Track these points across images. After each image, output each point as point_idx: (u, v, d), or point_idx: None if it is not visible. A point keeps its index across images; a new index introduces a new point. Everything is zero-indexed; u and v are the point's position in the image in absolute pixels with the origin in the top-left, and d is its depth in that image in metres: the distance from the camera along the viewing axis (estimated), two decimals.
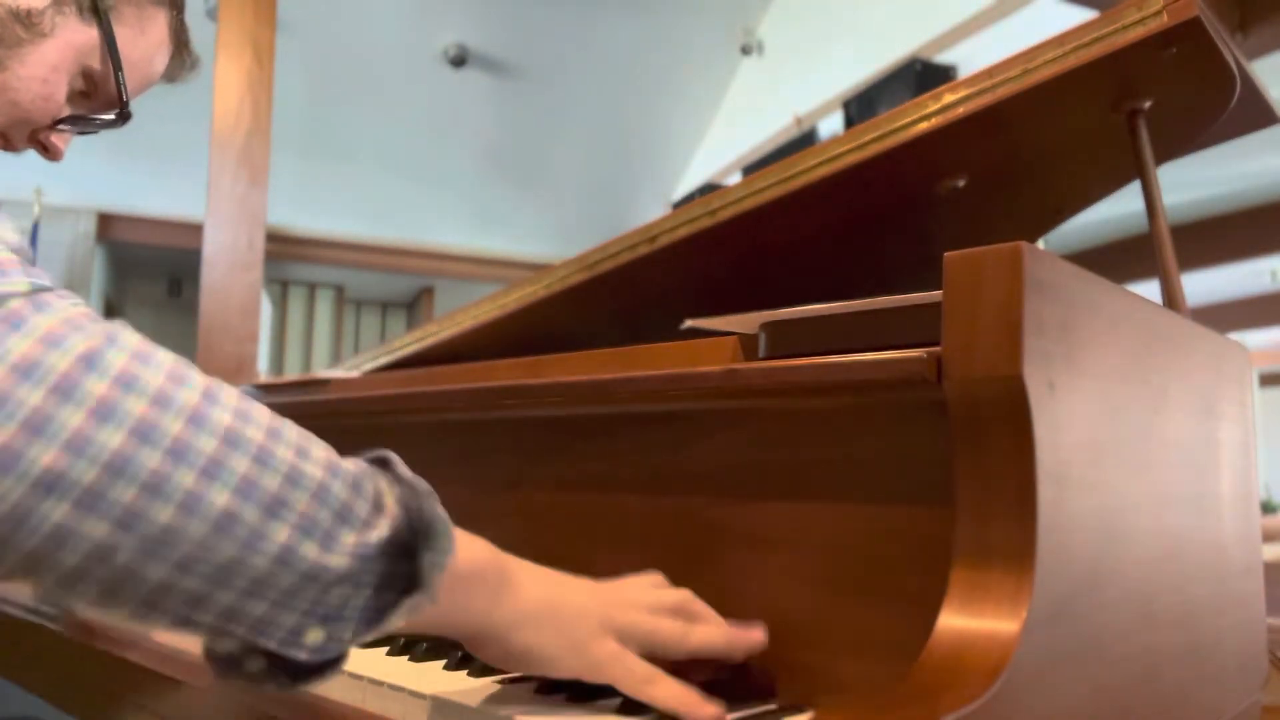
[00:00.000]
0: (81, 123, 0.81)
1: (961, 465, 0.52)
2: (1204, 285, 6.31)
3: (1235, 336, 0.83)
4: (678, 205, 5.00)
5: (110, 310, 6.28)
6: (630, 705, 0.55)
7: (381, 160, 5.73)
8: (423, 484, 0.52)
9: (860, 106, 4.28)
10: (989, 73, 0.85)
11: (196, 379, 0.47)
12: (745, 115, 5.75)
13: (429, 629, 0.53)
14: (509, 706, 0.55)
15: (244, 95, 3.20)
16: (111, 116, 0.82)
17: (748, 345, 0.73)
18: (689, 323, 0.77)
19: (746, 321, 0.71)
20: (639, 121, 5.98)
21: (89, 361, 0.43)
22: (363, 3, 4.94)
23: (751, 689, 0.60)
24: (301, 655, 0.48)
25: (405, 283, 6.98)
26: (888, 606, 0.56)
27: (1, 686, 0.97)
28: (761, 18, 5.58)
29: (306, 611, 0.47)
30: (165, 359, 0.47)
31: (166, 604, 0.45)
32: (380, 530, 0.49)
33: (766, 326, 0.70)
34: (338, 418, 0.99)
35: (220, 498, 0.44)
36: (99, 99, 0.81)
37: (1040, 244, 0.61)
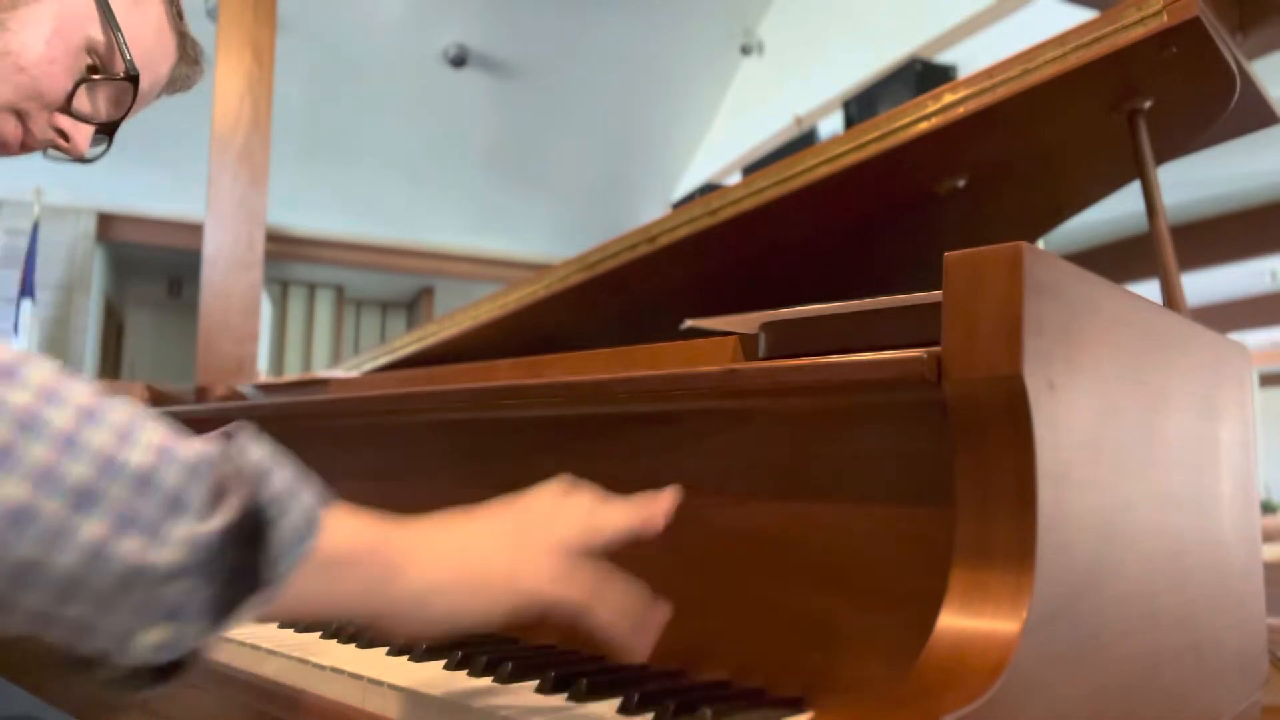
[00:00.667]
0: (94, 90, 0.79)
1: (961, 465, 0.52)
2: (1204, 285, 6.30)
3: (1235, 336, 0.83)
4: (678, 205, 5.00)
5: (110, 310, 6.28)
6: (630, 704, 0.55)
7: (381, 160, 5.74)
8: (270, 464, 0.46)
9: (860, 106, 4.28)
10: (989, 73, 0.85)
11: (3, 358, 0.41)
12: (745, 115, 5.75)
13: (315, 617, 0.50)
14: (509, 706, 0.55)
15: (244, 95, 3.20)
16: (121, 78, 0.79)
17: (748, 345, 0.73)
18: (689, 323, 0.77)
19: (746, 321, 0.71)
20: (639, 121, 5.98)
21: None
22: (363, 3, 4.95)
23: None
24: (140, 657, 0.43)
25: (405, 283, 6.98)
26: (888, 606, 0.56)
27: (1, 686, 0.97)
28: (761, 18, 5.58)
29: (137, 612, 0.42)
30: None
31: None
32: (220, 519, 0.43)
33: (766, 326, 0.70)
34: (338, 418, 0.99)
35: (11, 489, 0.38)
36: (107, 72, 0.79)
37: (1040, 244, 0.61)
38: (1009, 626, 0.47)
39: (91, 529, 0.40)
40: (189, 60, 0.89)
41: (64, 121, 0.78)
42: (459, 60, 5.26)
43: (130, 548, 0.41)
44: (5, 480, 0.39)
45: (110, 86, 0.80)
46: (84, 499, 0.40)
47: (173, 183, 5.24)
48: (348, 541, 0.50)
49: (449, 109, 5.57)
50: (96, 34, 0.78)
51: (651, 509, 0.58)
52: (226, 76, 3.20)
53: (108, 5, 0.78)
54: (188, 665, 0.46)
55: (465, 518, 0.56)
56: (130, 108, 0.82)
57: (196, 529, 0.42)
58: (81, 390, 0.43)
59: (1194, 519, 0.69)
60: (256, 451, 0.46)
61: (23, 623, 0.41)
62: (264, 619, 0.47)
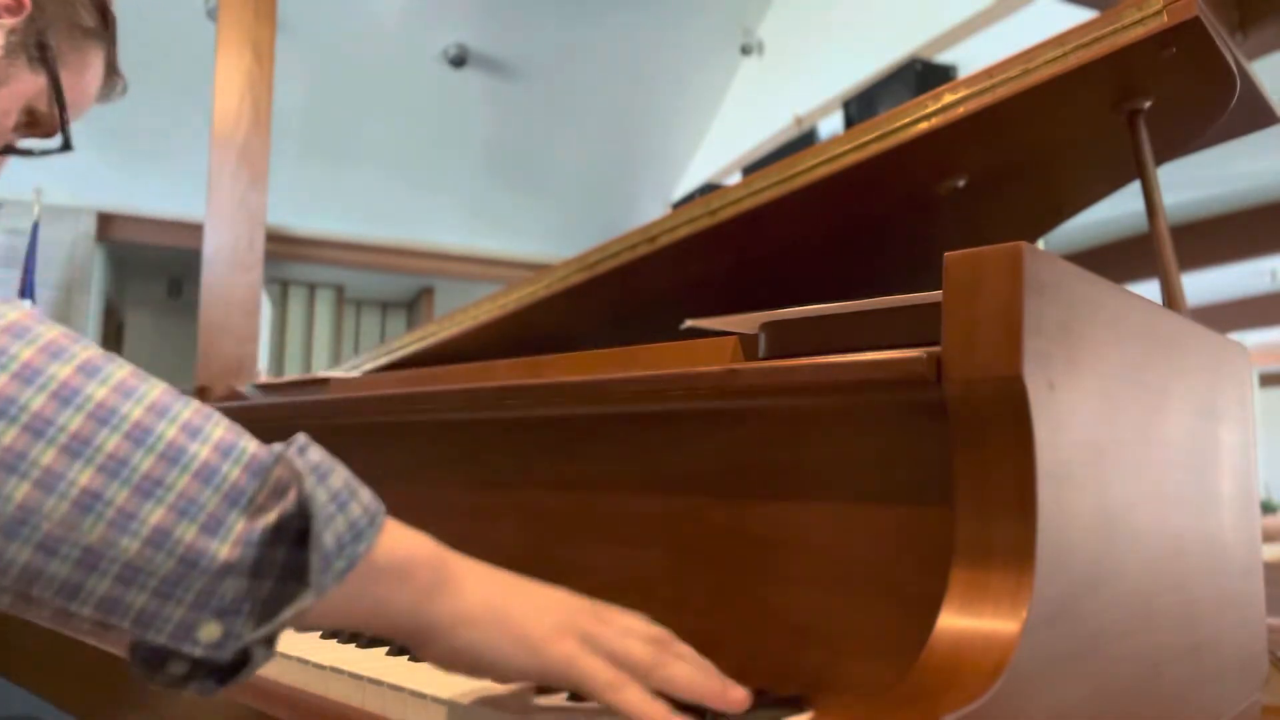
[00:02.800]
0: (25, 154, 0.89)
1: (961, 465, 0.52)
2: (1204, 285, 6.31)
3: (1235, 336, 0.83)
4: (678, 205, 5.00)
5: (110, 310, 6.28)
6: None
7: (381, 160, 5.74)
8: (331, 466, 0.47)
9: (860, 106, 4.28)
10: (989, 73, 0.85)
11: (79, 352, 0.45)
12: (745, 115, 5.75)
13: (360, 626, 0.50)
14: (509, 706, 0.55)
15: (244, 95, 3.20)
16: (55, 146, 0.88)
17: (748, 345, 0.73)
18: (689, 323, 0.78)
19: (746, 321, 0.72)
20: (639, 122, 5.98)
21: None
22: (363, 3, 4.95)
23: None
24: (196, 652, 0.44)
25: (405, 283, 6.98)
26: (888, 606, 0.56)
27: (1, 686, 0.97)
28: (761, 18, 5.58)
29: (195, 604, 0.44)
30: (47, 333, 0.44)
31: (39, 593, 0.42)
32: (276, 515, 0.45)
33: (766, 326, 0.70)
34: (338, 418, 0.99)
35: (83, 475, 0.42)
36: (42, 129, 0.88)
37: (1040, 244, 0.61)
38: (1009, 626, 0.47)
39: (156, 516, 0.43)
40: (112, 86, 0.97)
41: None
42: (459, 60, 5.26)
43: (190, 536, 0.43)
44: (78, 467, 0.42)
45: (40, 137, 0.89)
46: (151, 487, 0.43)
47: (173, 183, 5.24)
48: (406, 550, 0.50)
49: (449, 109, 5.57)
50: (40, 105, 0.86)
51: (721, 691, 0.52)
52: (226, 76, 3.20)
53: (59, 86, 0.86)
54: (247, 666, 0.47)
55: (531, 581, 0.55)
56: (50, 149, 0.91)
57: (254, 524, 0.44)
58: (155, 387, 0.46)
59: (1194, 519, 0.69)
60: (316, 453, 0.48)
61: (93, 611, 0.43)
62: (312, 624, 0.48)
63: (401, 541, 0.50)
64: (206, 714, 0.69)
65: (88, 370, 0.44)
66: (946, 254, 0.52)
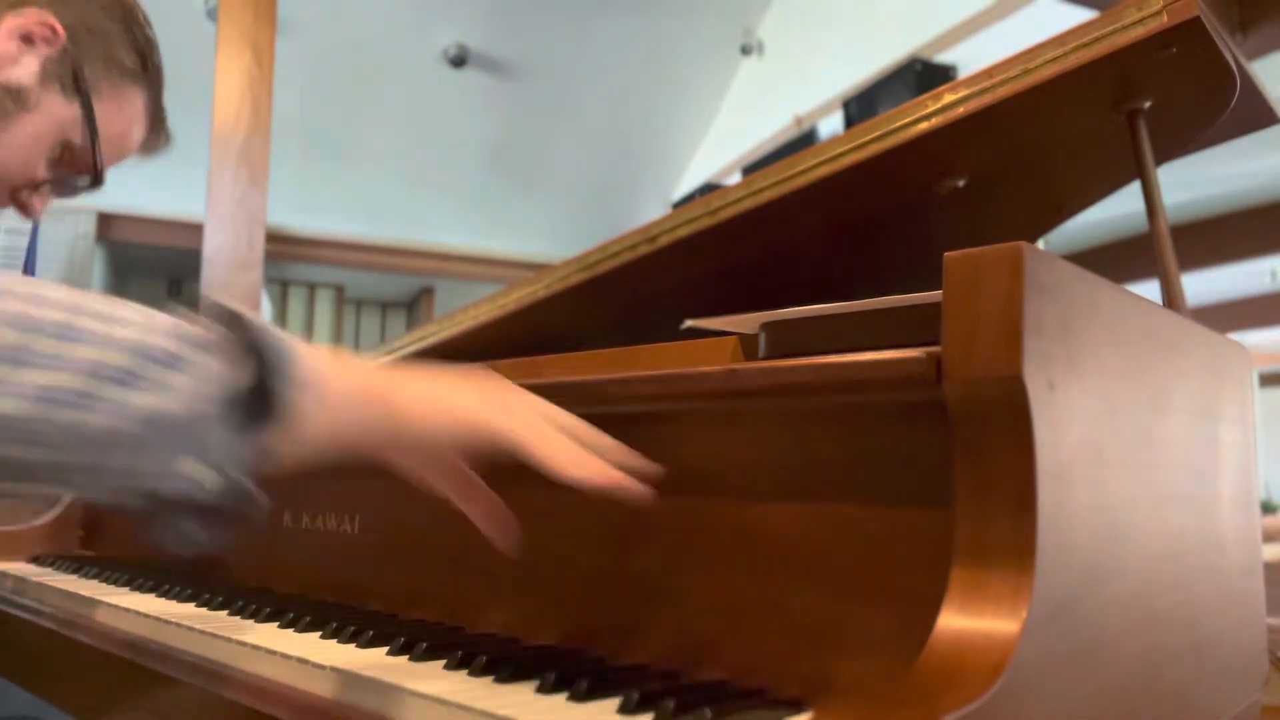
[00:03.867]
0: (60, 188, 0.90)
1: (961, 465, 0.52)
2: (1204, 285, 6.30)
3: (1235, 336, 0.83)
4: (678, 205, 5.00)
5: None
6: (630, 704, 0.55)
7: (381, 160, 5.74)
8: (254, 319, 0.55)
9: (860, 106, 4.28)
10: (989, 73, 0.85)
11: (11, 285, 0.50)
12: (745, 115, 5.75)
13: (342, 447, 0.58)
14: (508, 706, 0.55)
15: (244, 95, 3.20)
16: (87, 182, 0.90)
17: (748, 345, 0.73)
18: (689, 323, 0.78)
19: (746, 321, 0.72)
20: (639, 121, 5.98)
21: None
22: (363, 3, 4.95)
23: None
24: (189, 488, 0.52)
25: (405, 283, 6.98)
26: (888, 606, 0.56)
27: (1, 686, 0.97)
28: (761, 18, 5.58)
29: (167, 448, 0.51)
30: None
31: (36, 473, 0.49)
32: (216, 363, 0.52)
33: (766, 326, 0.70)
34: None
35: (42, 378, 0.48)
36: (76, 164, 0.90)
37: (1040, 244, 0.61)
38: (1009, 626, 0.47)
39: (111, 392, 0.49)
40: (158, 137, 1.00)
41: (24, 195, 0.87)
42: (459, 60, 5.26)
43: (145, 400, 0.50)
44: (39, 372, 0.48)
45: (77, 179, 0.91)
46: (97, 371, 0.49)
47: (173, 183, 5.23)
48: (347, 386, 0.59)
49: (449, 109, 5.57)
50: (75, 138, 0.88)
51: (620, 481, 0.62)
52: (226, 76, 3.20)
53: (93, 118, 0.87)
54: (240, 502, 0.54)
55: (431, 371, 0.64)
56: (87, 190, 0.93)
57: (198, 378, 0.51)
58: (62, 291, 0.52)
59: (1194, 519, 0.69)
60: (246, 315, 0.55)
61: (84, 478, 0.51)
62: (287, 456, 0.55)
63: (336, 368, 0.58)
64: (206, 714, 0.69)
65: (34, 300, 0.50)
66: (946, 254, 0.52)
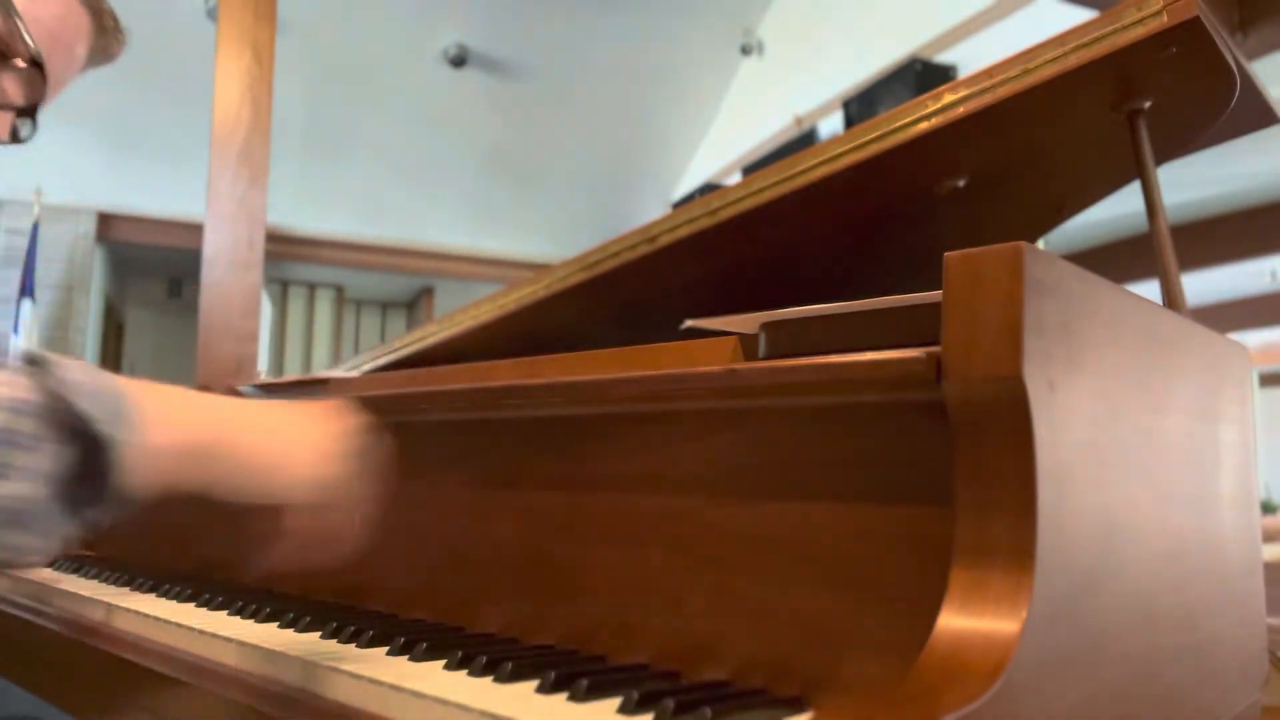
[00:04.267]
0: (2, 96, 0.81)
1: (961, 465, 0.52)
2: (1204, 285, 6.30)
3: (1235, 336, 0.83)
4: (678, 205, 5.00)
5: (110, 310, 6.28)
6: (630, 704, 0.55)
7: (381, 160, 5.73)
8: (78, 375, 0.52)
9: (860, 106, 4.28)
10: (989, 73, 0.85)
11: None
12: (745, 115, 5.75)
13: (178, 494, 0.56)
14: (508, 706, 0.55)
15: (244, 95, 3.20)
16: (24, 66, 0.81)
17: (748, 345, 0.73)
18: (689, 323, 0.78)
19: (746, 321, 0.71)
20: (639, 121, 5.98)
21: None
22: (363, 3, 4.95)
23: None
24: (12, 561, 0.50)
25: (405, 283, 6.98)
26: (888, 606, 0.56)
27: (1, 686, 0.97)
28: (761, 18, 5.58)
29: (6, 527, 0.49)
30: None
31: None
32: (49, 440, 0.50)
33: (766, 326, 0.70)
34: None
35: None
36: (9, 62, 0.80)
37: (1040, 244, 0.61)
38: (1009, 626, 0.47)
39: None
40: (106, 30, 0.90)
41: None
42: (459, 60, 5.26)
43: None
44: None
45: (17, 73, 0.81)
46: None
47: (173, 183, 5.24)
48: (175, 430, 0.57)
49: (449, 109, 5.57)
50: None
51: None
52: (226, 76, 3.20)
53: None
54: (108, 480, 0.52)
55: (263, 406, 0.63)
56: (44, 92, 0.83)
57: (34, 457, 0.49)
58: None
59: (1194, 519, 0.69)
60: (63, 368, 0.52)
61: None
62: (136, 500, 0.54)
63: (172, 422, 0.57)
64: (206, 714, 0.69)
65: None
66: (946, 254, 0.52)
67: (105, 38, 0.90)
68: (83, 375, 0.53)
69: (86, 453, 0.51)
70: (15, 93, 0.82)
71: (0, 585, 1.08)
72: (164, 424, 0.56)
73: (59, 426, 0.51)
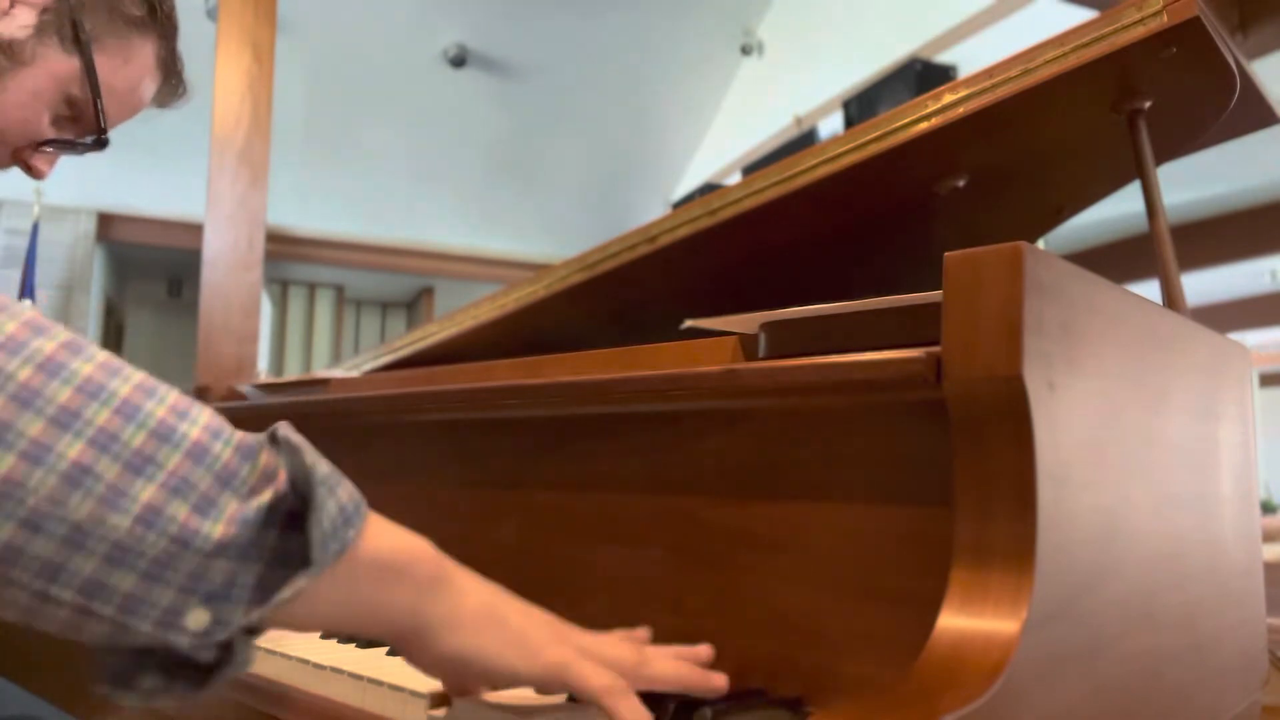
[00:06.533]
0: (62, 146, 0.84)
1: (961, 465, 0.52)
2: (1204, 285, 6.30)
3: (1235, 336, 0.83)
4: (678, 205, 5.00)
5: (110, 310, 6.28)
6: None
7: (381, 160, 5.73)
8: (303, 444, 0.47)
9: (860, 106, 4.28)
10: (989, 73, 0.85)
11: (58, 332, 0.43)
12: (745, 115, 5.75)
13: (348, 624, 0.48)
14: (509, 706, 0.55)
15: (244, 95, 3.20)
16: (89, 141, 0.84)
17: (748, 345, 0.73)
18: (689, 323, 0.77)
19: (746, 321, 0.71)
20: (639, 121, 5.98)
21: None
22: (363, 3, 4.94)
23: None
24: (183, 642, 0.43)
25: (405, 283, 6.98)
26: (888, 606, 0.56)
27: (1, 686, 0.97)
28: (761, 18, 5.58)
29: (184, 587, 0.42)
30: (22, 311, 0.43)
31: (19, 575, 0.40)
32: (268, 496, 0.44)
33: (766, 326, 0.70)
34: (338, 418, 0.99)
35: (72, 449, 0.40)
36: (82, 124, 0.84)
37: (1040, 244, 0.61)
38: (1009, 626, 0.47)
39: (147, 492, 0.41)
40: (173, 90, 0.93)
41: (27, 154, 0.82)
42: (459, 60, 5.26)
43: (182, 515, 0.42)
44: (67, 440, 0.40)
45: (77, 145, 0.85)
46: (142, 463, 0.42)
47: (173, 183, 5.24)
48: (403, 545, 0.50)
49: (449, 109, 5.57)
50: (77, 92, 0.82)
51: (701, 678, 0.54)
52: (226, 76, 3.20)
53: (93, 71, 0.81)
54: (229, 663, 0.46)
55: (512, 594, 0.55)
56: (88, 150, 0.86)
57: (247, 505, 0.44)
58: (137, 371, 0.45)
59: (1194, 519, 0.69)
60: (299, 440, 0.47)
61: (75, 595, 0.41)
62: (301, 619, 0.46)
63: (396, 537, 0.50)
64: (206, 714, 0.69)
65: (72, 347, 0.43)
66: (946, 254, 0.52)
67: (165, 94, 0.92)
68: (329, 468, 0.47)
69: (288, 524, 0.45)
70: (70, 149, 0.85)
71: None
72: (382, 532, 0.49)
73: (277, 483, 0.45)
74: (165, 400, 0.44)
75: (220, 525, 0.43)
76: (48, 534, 0.40)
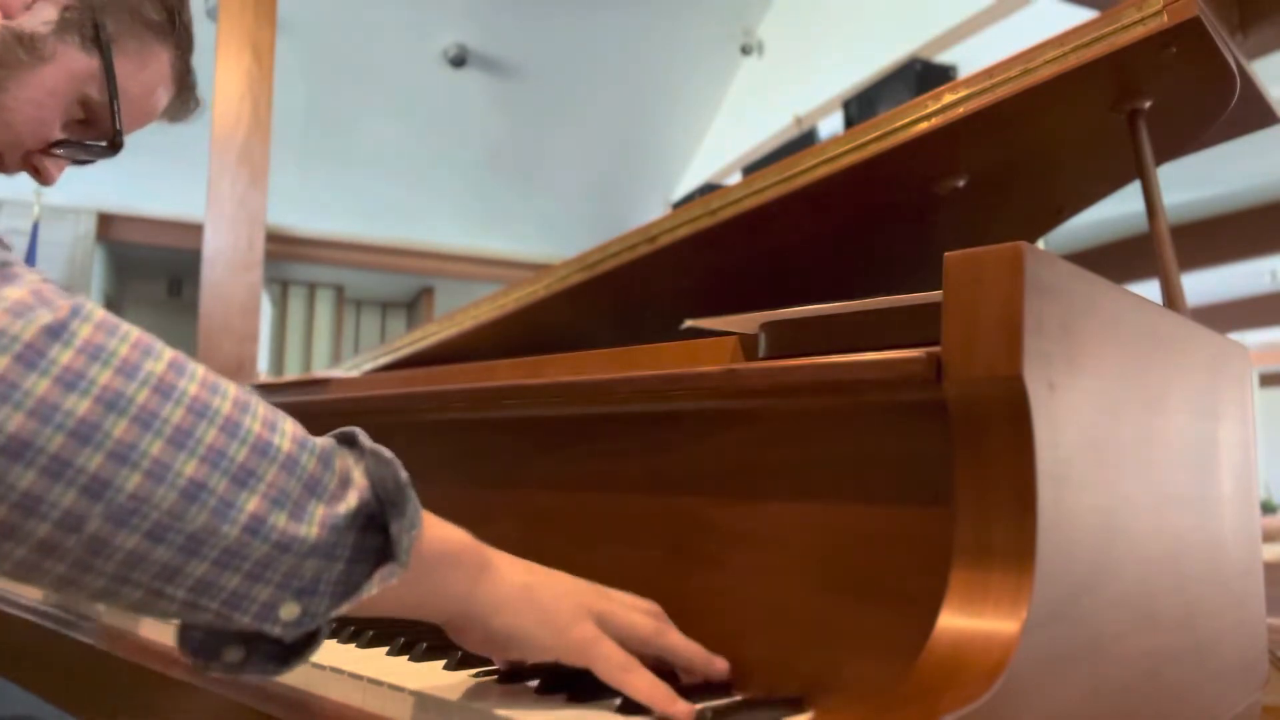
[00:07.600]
0: (73, 148, 0.83)
1: (961, 465, 0.52)
2: (1204, 285, 6.31)
3: (1235, 336, 0.83)
4: (678, 205, 5.00)
5: (110, 310, 6.27)
6: (631, 705, 0.55)
7: (382, 160, 5.74)
8: (388, 454, 0.52)
9: (860, 106, 4.28)
10: (989, 73, 0.85)
11: (163, 351, 0.48)
12: (745, 115, 5.75)
13: (408, 611, 0.54)
14: (509, 706, 0.55)
15: (244, 95, 3.20)
16: (103, 145, 0.83)
17: (748, 345, 0.73)
18: (689, 323, 0.77)
19: (746, 321, 0.71)
20: (639, 121, 5.98)
21: (54, 331, 0.44)
22: (363, 3, 4.95)
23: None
24: (276, 630, 0.48)
25: (405, 283, 6.98)
26: (888, 606, 0.56)
27: (1, 686, 0.97)
28: (761, 18, 5.58)
29: (280, 585, 0.47)
30: (131, 331, 0.48)
31: (138, 576, 0.45)
32: (349, 502, 0.50)
33: (766, 326, 0.70)
34: (338, 418, 0.99)
35: (189, 466, 0.45)
36: (95, 128, 0.83)
37: (1040, 244, 0.61)
38: (1009, 626, 0.47)
39: (251, 503, 0.46)
40: (185, 103, 0.92)
41: (37, 158, 0.81)
42: (459, 60, 5.26)
43: (281, 522, 0.47)
44: (184, 458, 0.45)
45: (92, 147, 0.83)
46: (245, 476, 0.46)
47: (173, 183, 5.24)
48: (456, 538, 0.55)
49: (449, 109, 5.57)
50: (93, 93, 0.81)
51: (707, 658, 0.60)
52: (226, 76, 3.20)
53: (112, 71, 0.80)
54: (305, 650, 0.51)
55: (540, 566, 0.60)
56: (101, 157, 0.85)
57: (331, 510, 0.49)
58: (230, 383, 0.50)
59: (1194, 519, 0.69)
60: (372, 444, 0.52)
61: (187, 593, 0.46)
62: (370, 609, 0.51)
63: (445, 528, 0.55)
64: (207, 714, 0.69)
65: (177, 367, 0.47)
66: (946, 254, 0.52)
67: (177, 107, 0.92)
68: (391, 459, 0.52)
69: (369, 524, 0.51)
70: (81, 153, 0.84)
71: (1, 586, 1.08)
72: (440, 526, 0.55)
73: (356, 487, 0.50)
74: (258, 415, 0.49)
75: (313, 529, 0.48)
76: (168, 543, 0.45)
